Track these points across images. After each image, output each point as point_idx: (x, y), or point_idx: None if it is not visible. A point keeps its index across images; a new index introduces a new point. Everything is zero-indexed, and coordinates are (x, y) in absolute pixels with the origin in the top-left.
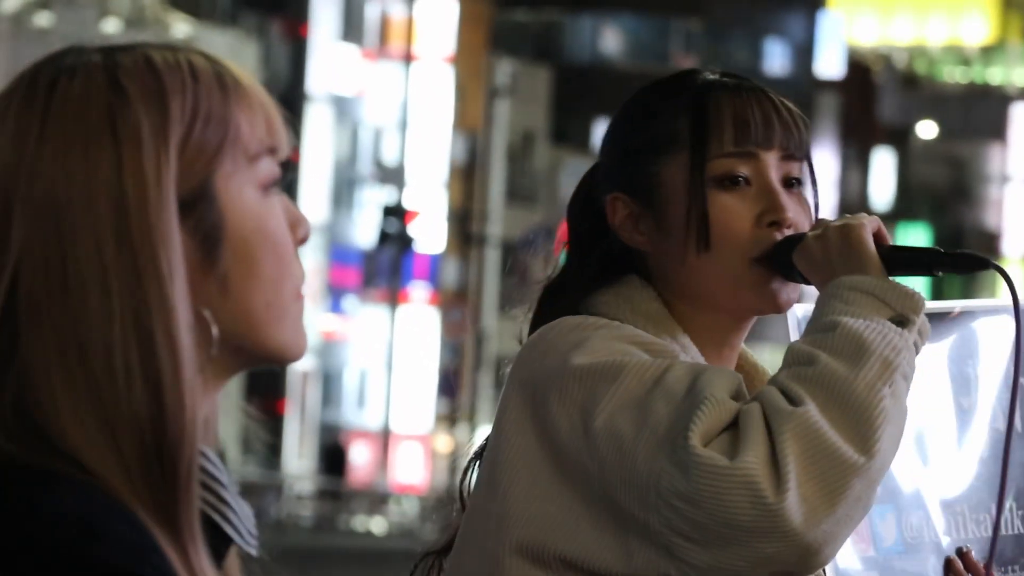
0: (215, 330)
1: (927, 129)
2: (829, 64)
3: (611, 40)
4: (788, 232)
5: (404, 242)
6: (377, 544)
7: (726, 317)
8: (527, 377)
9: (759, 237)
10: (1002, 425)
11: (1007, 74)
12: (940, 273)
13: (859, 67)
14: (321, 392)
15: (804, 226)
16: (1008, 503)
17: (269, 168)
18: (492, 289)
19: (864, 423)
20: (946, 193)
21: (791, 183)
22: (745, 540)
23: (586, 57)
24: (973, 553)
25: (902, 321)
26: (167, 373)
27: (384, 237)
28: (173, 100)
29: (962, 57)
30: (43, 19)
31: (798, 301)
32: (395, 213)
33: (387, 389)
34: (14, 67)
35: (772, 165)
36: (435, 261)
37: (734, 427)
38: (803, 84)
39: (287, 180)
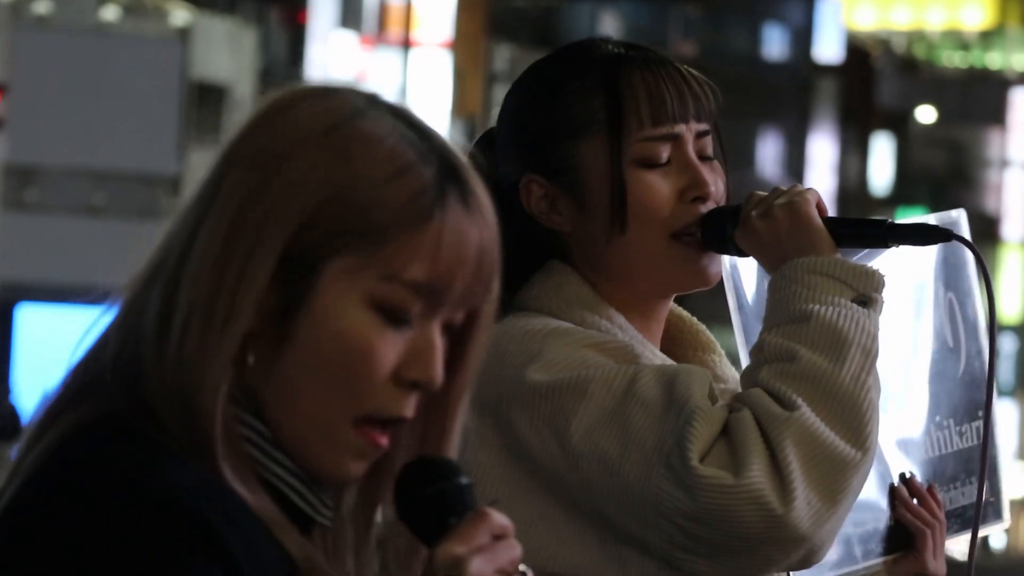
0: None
1: (926, 114)
2: (828, 49)
3: (609, 25)
4: (711, 206)
5: None
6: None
7: (651, 294)
8: (484, 395)
9: (682, 212)
10: (935, 344)
11: (1006, 59)
12: (897, 246)
13: (858, 52)
14: None
15: (720, 200)
16: (946, 420)
17: (397, 295)
18: None
19: (856, 418)
20: (945, 178)
21: (705, 158)
22: (754, 549)
23: None
24: (917, 476)
25: (865, 301)
26: (198, 354)
27: None
28: (345, 172)
29: (961, 42)
30: (41, 7)
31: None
32: None
33: None
34: (12, 55)
35: (689, 141)
36: None
37: (726, 436)
38: (802, 69)
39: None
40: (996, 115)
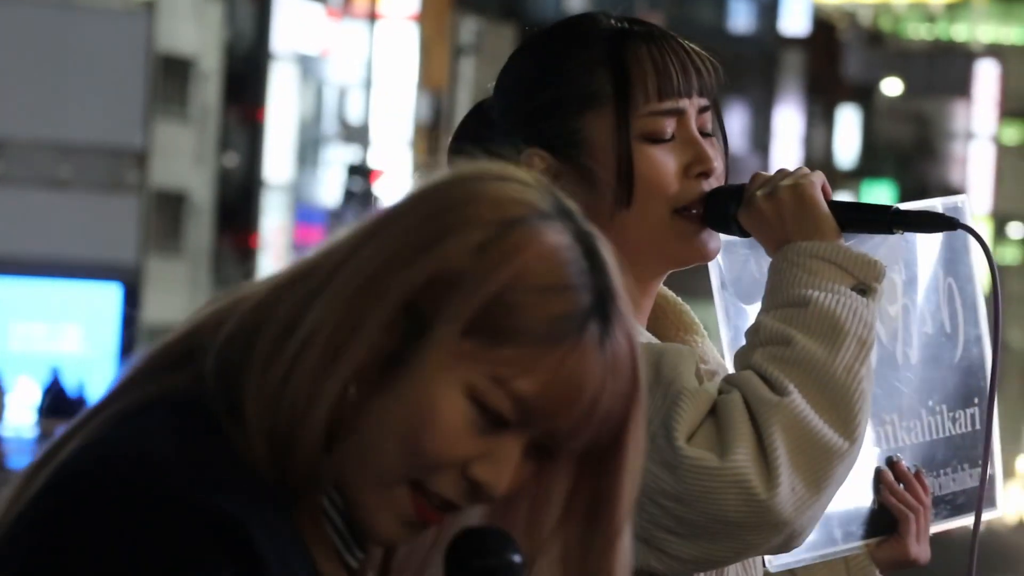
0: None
1: (892, 86)
2: (794, 22)
3: None
4: (713, 182)
5: (369, 201)
6: None
7: (649, 270)
8: None
9: (685, 188)
10: (931, 328)
11: (972, 31)
12: (901, 232)
13: (824, 24)
14: None
15: (721, 176)
16: (939, 406)
17: (498, 399)
18: None
19: (846, 408)
20: (911, 150)
21: (705, 133)
22: (735, 533)
23: (551, 15)
24: (905, 461)
25: (864, 289)
26: (311, 395)
27: (349, 196)
28: (498, 281)
29: (927, 14)
30: None
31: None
32: (360, 172)
33: None
34: None
35: (693, 116)
36: None
37: (713, 416)
38: (768, 42)
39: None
40: (962, 88)
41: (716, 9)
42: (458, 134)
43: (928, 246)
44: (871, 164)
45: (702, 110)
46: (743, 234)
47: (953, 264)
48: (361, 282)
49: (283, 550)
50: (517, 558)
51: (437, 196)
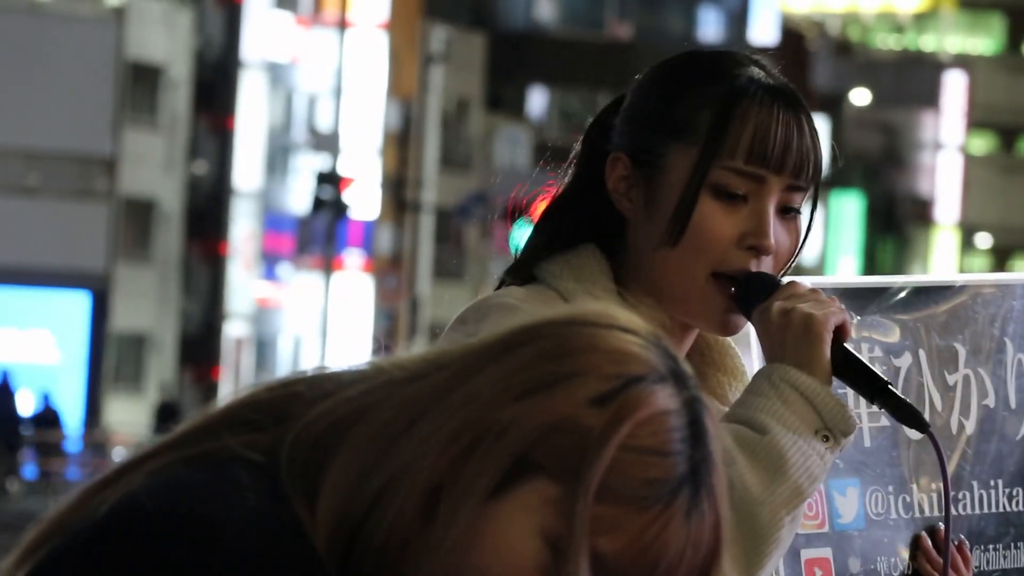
0: None
1: (860, 96)
2: (763, 31)
3: (546, 7)
4: (767, 262)
5: (339, 209)
6: None
7: (672, 321)
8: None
9: (733, 256)
10: (992, 402)
11: (940, 41)
12: (874, 404)
13: (793, 34)
14: (255, 359)
15: (784, 257)
16: (993, 480)
17: (576, 549)
18: (426, 256)
19: (756, 551)
20: (879, 160)
21: (788, 211)
22: None
23: (521, 24)
24: (950, 531)
25: (828, 436)
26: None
27: (318, 204)
28: (625, 434)
29: (895, 24)
30: None
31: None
32: (329, 180)
33: (321, 356)
34: None
35: (775, 190)
36: (369, 228)
37: None
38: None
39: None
40: (930, 98)
41: (685, 18)
42: (598, 118)
43: (998, 318)
44: (840, 174)
45: (792, 188)
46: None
47: None
48: (472, 413)
49: None
50: None
51: (557, 335)
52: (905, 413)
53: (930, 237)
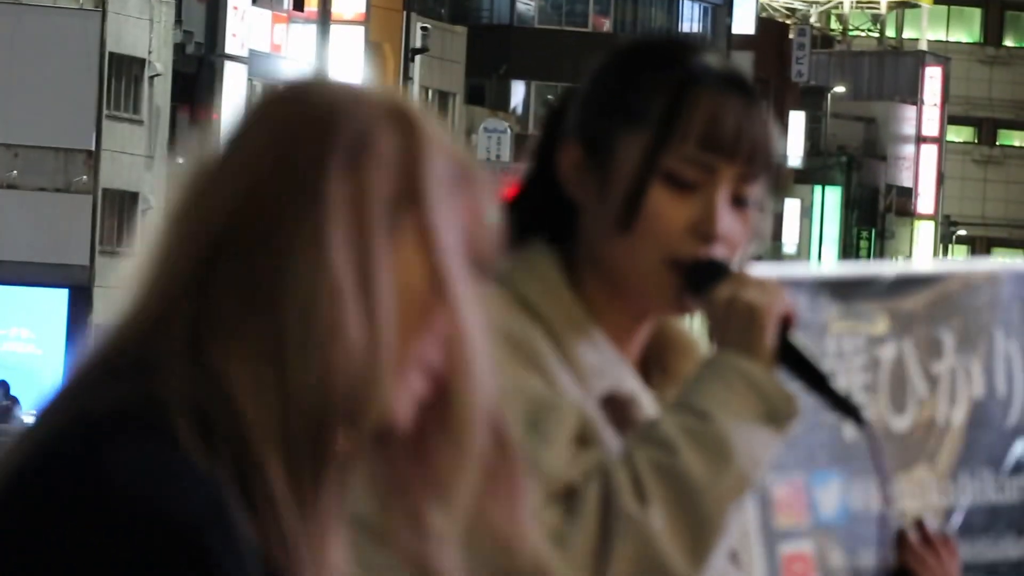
0: None
1: (840, 88)
2: (744, 24)
3: (527, 0)
4: (716, 248)
5: None
6: None
7: (628, 305)
8: None
9: (684, 243)
10: (982, 392)
11: (919, 34)
12: (815, 397)
13: (773, 27)
14: None
15: (736, 246)
16: (983, 471)
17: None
18: None
19: (701, 538)
20: (860, 152)
21: (741, 201)
22: None
23: (502, 18)
24: (934, 524)
25: (773, 422)
26: (354, 360)
27: None
28: (426, 145)
29: (875, 17)
30: None
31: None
32: None
33: None
34: None
35: (727, 179)
36: None
37: (568, 502)
38: (718, 44)
39: None
40: (910, 90)
41: (666, 11)
42: (556, 107)
43: (986, 307)
44: (820, 166)
45: (744, 177)
46: None
47: (1014, 328)
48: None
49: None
50: None
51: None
52: (842, 407)
53: (911, 229)
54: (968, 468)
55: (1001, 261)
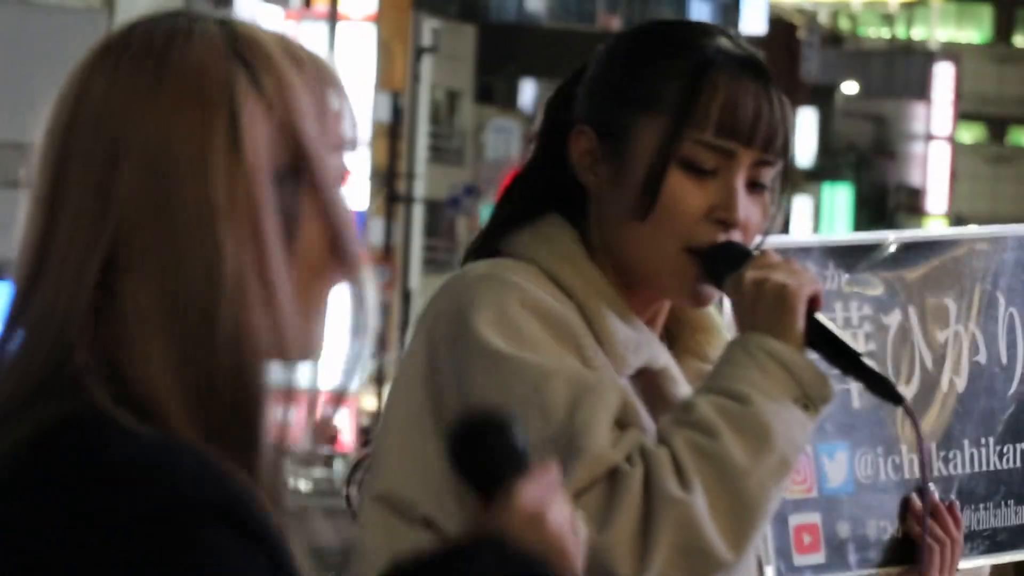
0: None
1: (850, 87)
2: (753, 22)
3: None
4: (734, 234)
5: None
6: (303, 503)
7: (640, 290)
8: (433, 312)
9: (702, 230)
10: (984, 358)
11: (929, 32)
12: (849, 376)
13: (783, 25)
14: None
15: (753, 232)
16: (984, 438)
17: (341, 164)
18: (417, 248)
19: (745, 522)
20: (870, 151)
21: (757, 186)
22: None
23: (511, 16)
24: (937, 492)
25: (807, 404)
26: (261, 341)
27: None
28: (285, 82)
29: (885, 15)
30: None
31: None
32: None
33: None
34: None
35: (744, 164)
36: (360, 220)
37: (609, 485)
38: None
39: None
40: (920, 88)
41: (676, 10)
42: (560, 90)
43: (990, 272)
44: (830, 165)
45: (760, 163)
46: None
47: (1017, 294)
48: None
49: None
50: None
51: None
52: (878, 386)
53: (921, 227)
54: (970, 435)
55: (1007, 226)
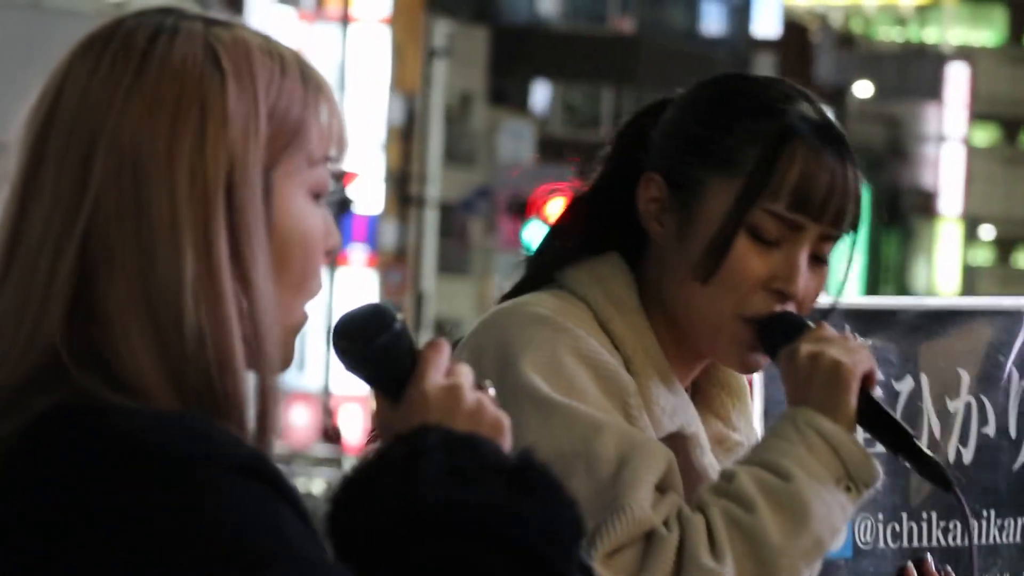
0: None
1: (863, 89)
2: (766, 24)
3: (549, 1)
4: (789, 306)
5: (343, 204)
6: (318, 506)
7: (687, 348)
8: (481, 345)
9: (760, 299)
10: (992, 430)
11: (942, 34)
12: (898, 457)
13: (795, 27)
14: None
15: (809, 304)
16: (986, 510)
17: (324, 176)
18: (431, 251)
19: None
20: (883, 153)
21: (819, 259)
22: None
23: (524, 18)
24: (933, 562)
25: (850, 487)
26: (232, 333)
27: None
28: (261, 89)
29: (897, 17)
30: None
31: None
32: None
33: (326, 351)
34: None
35: (810, 238)
36: (373, 223)
37: (645, 545)
38: (740, 45)
39: (338, 192)
40: (933, 90)
41: (688, 12)
42: (633, 122)
43: (1006, 344)
44: None
45: (825, 237)
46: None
47: None
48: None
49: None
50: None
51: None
52: (928, 469)
53: (934, 229)
54: (973, 508)
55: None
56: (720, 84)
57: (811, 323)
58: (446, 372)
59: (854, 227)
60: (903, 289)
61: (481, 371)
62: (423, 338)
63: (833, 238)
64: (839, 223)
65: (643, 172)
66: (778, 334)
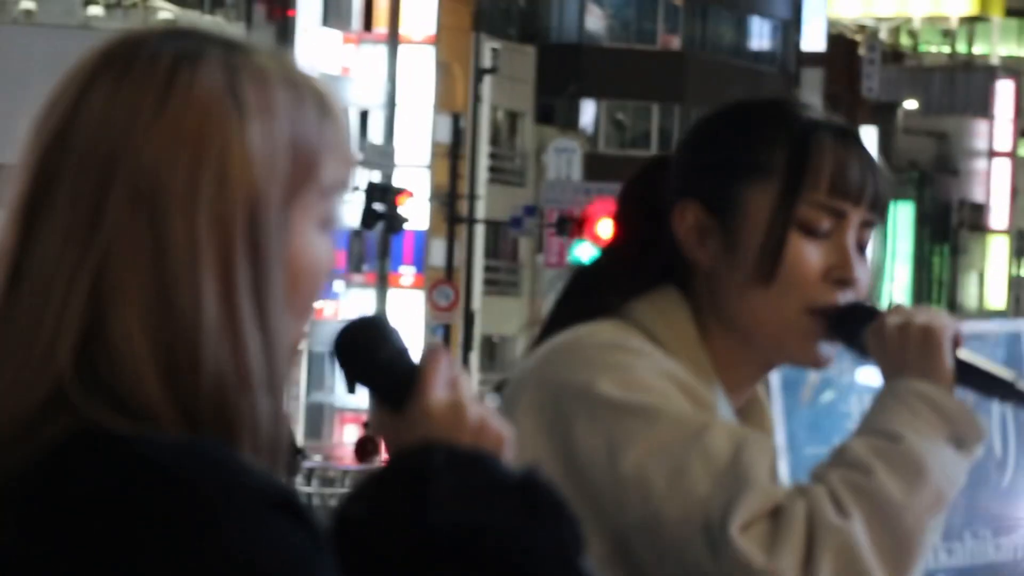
0: None
1: (911, 104)
2: (813, 40)
3: (596, 19)
4: (850, 294)
5: (393, 222)
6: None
7: (759, 356)
8: (550, 380)
9: (823, 291)
10: (981, 452)
11: (990, 48)
12: (1005, 402)
13: (843, 42)
14: (307, 373)
15: (863, 291)
16: (982, 531)
17: (334, 206)
18: (479, 269)
19: (904, 554)
20: (932, 168)
21: (862, 247)
22: None
23: (571, 36)
24: None
25: (959, 444)
26: (251, 369)
27: (372, 216)
28: (281, 124)
29: (946, 31)
30: (27, 3)
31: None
32: (382, 193)
33: None
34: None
35: (854, 224)
36: (420, 241)
37: (774, 518)
38: (788, 60)
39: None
40: (981, 104)
41: (735, 27)
42: (634, 178)
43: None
44: (891, 181)
45: (865, 224)
46: (862, 354)
47: None
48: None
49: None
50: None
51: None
52: None
53: (985, 244)
54: (971, 527)
55: (1004, 321)
56: (723, 111)
57: (879, 309)
58: (448, 384)
59: (884, 215)
60: (953, 304)
61: (570, 412)
62: (474, 358)
63: (871, 224)
64: (876, 207)
65: (674, 204)
66: (854, 321)
